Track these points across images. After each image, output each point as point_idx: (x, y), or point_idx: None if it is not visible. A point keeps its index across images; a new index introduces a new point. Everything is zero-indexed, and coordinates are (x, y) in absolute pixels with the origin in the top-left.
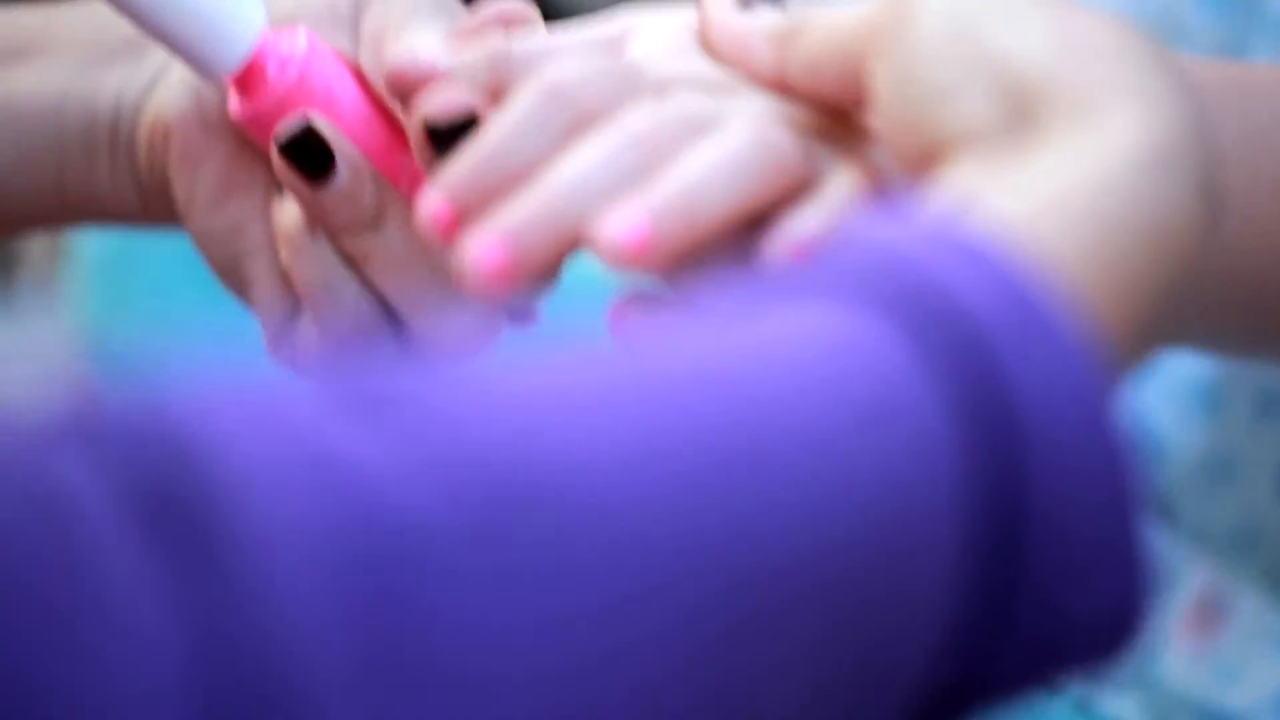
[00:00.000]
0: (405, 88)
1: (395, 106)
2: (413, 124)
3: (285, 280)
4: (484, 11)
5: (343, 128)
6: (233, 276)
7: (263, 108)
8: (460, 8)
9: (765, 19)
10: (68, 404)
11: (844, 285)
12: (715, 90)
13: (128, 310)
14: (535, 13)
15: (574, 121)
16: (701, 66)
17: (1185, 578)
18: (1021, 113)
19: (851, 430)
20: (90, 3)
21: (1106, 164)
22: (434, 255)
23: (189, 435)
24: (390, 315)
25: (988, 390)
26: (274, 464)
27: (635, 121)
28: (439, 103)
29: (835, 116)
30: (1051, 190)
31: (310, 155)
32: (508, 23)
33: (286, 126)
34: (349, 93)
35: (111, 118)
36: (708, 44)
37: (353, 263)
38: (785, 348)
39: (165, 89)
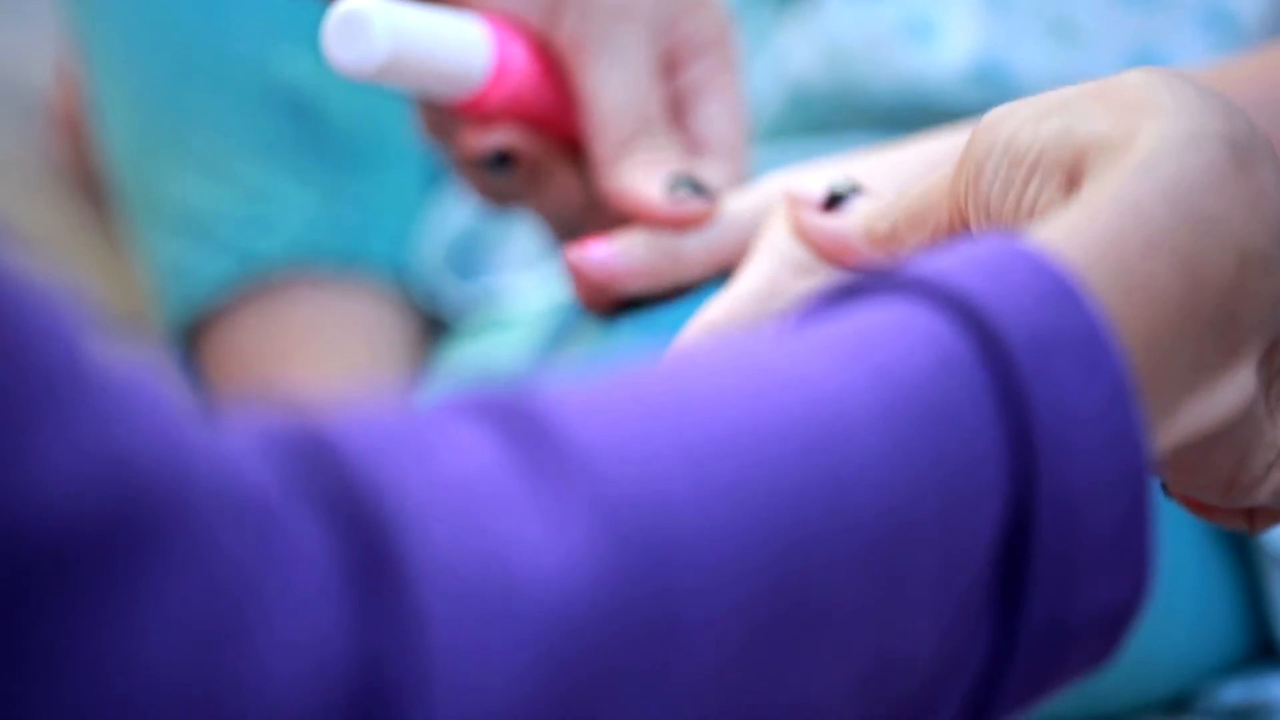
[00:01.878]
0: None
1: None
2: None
3: None
4: (679, 202)
5: (524, 116)
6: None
7: (468, 114)
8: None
9: (856, 218)
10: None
11: (907, 290)
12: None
13: None
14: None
15: None
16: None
17: None
18: (1076, 179)
19: (930, 384)
20: None
21: (1131, 169)
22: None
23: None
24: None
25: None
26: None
27: None
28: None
29: None
30: (1082, 210)
31: (500, 161)
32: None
33: (488, 148)
34: (534, 88)
35: None
36: (814, 250)
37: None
38: (867, 334)
39: None
